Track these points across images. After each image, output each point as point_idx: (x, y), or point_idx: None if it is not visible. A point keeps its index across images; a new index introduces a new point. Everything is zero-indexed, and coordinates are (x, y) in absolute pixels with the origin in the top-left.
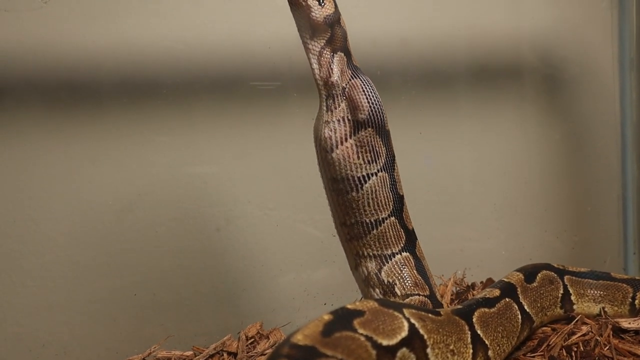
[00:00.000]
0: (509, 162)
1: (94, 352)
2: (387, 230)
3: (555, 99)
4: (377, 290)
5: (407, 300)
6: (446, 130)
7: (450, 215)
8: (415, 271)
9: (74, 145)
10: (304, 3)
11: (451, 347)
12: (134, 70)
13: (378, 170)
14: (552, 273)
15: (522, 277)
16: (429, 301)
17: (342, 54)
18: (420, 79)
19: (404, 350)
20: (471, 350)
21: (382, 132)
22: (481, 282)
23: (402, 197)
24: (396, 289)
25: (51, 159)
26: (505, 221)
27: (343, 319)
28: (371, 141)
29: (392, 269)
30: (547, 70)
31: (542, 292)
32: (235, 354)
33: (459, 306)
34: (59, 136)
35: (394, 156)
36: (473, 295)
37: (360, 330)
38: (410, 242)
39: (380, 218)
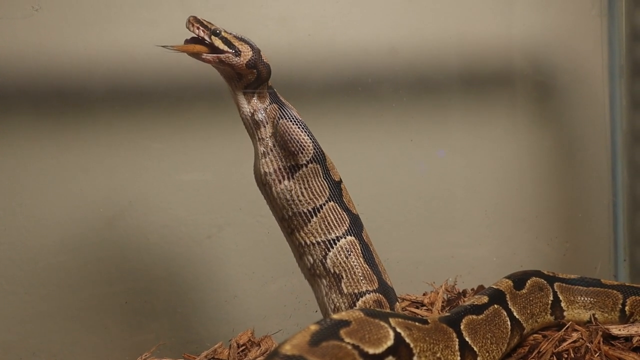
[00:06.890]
0: (500, 168)
1: (85, 359)
2: (327, 215)
3: (546, 106)
4: (324, 280)
5: (359, 302)
6: (437, 137)
7: (441, 222)
8: (362, 259)
9: (65, 152)
10: (219, 61)
11: (438, 355)
12: (125, 77)
13: (308, 162)
14: (542, 280)
15: (512, 283)
16: (381, 296)
17: (265, 87)
18: (411, 87)
19: (391, 358)
20: (459, 357)
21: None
22: (472, 289)
23: (338, 183)
24: (342, 285)
25: (42, 166)
26: (496, 228)
27: (329, 328)
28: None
29: (338, 256)
30: (538, 78)
31: (531, 298)
32: None
33: (447, 314)
34: (51, 143)
35: (321, 149)
36: (464, 302)
37: (347, 340)
38: (356, 225)
39: (318, 205)
